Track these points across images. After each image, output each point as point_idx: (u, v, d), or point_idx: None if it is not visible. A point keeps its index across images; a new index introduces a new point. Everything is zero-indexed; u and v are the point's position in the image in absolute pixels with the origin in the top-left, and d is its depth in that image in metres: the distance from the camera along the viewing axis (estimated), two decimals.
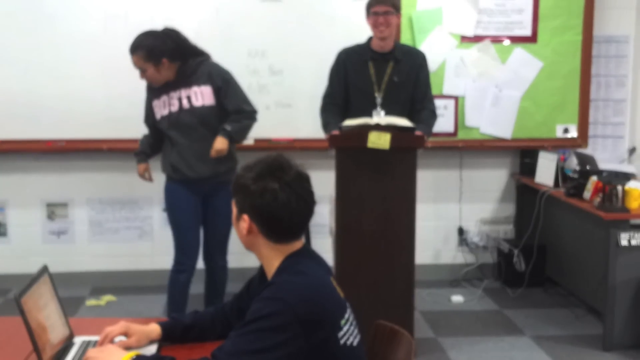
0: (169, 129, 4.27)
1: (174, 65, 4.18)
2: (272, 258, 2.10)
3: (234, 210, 2.12)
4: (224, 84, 4.21)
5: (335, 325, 1.99)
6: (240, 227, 2.10)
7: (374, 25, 4.41)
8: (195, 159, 4.19)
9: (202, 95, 4.19)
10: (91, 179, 5.54)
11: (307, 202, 2.09)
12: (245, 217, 2.07)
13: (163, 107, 4.25)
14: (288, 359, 1.91)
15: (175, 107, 4.20)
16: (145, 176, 4.50)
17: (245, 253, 2.20)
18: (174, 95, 4.21)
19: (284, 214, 2.04)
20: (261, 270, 2.23)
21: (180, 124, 4.21)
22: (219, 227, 4.38)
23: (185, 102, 4.19)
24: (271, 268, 2.09)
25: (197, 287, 4.61)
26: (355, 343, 2.06)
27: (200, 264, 4.46)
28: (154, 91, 4.29)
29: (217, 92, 4.21)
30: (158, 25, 4.31)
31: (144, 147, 4.49)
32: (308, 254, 2.14)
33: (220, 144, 4.14)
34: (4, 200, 5.54)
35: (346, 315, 2.06)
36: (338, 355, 1.99)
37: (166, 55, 4.12)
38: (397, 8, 4.41)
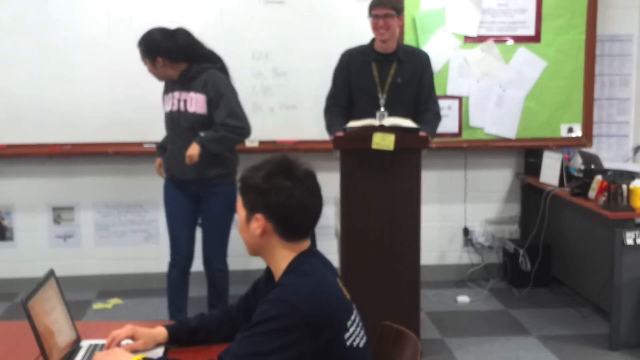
0: (167, 126, 4.38)
1: (176, 65, 4.24)
2: (282, 259, 2.10)
3: (242, 212, 2.12)
4: (216, 96, 4.20)
5: (341, 327, 2.00)
6: (251, 229, 2.10)
7: (374, 28, 4.42)
8: (183, 161, 4.20)
9: (196, 103, 4.22)
10: (97, 182, 5.55)
11: (317, 198, 2.13)
12: (259, 216, 2.07)
13: (167, 104, 4.34)
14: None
15: (175, 107, 4.28)
16: (161, 172, 4.54)
17: (247, 255, 2.18)
18: (176, 95, 4.28)
19: (298, 211, 2.07)
20: (267, 272, 2.24)
21: (175, 125, 4.30)
22: (213, 231, 4.41)
23: (181, 105, 4.25)
24: (279, 270, 2.10)
25: (201, 290, 4.63)
26: (361, 344, 2.06)
27: (201, 267, 4.51)
28: (166, 86, 4.40)
29: (210, 103, 4.23)
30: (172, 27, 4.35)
31: (163, 142, 4.56)
32: (314, 254, 2.16)
33: (191, 149, 4.14)
34: (10, 204, 5.56)
35: (352, 317, 2.06)
36: (344, 357, 2.00)
37: (162, 55, 4.19)
38: (398, 10, 4.39)
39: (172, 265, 4.47)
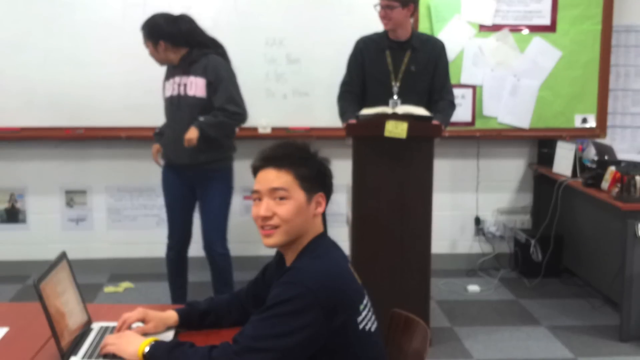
0: (166, 112, 4.43)
1: (177, 49, 4.31)
2: (307, 239, 2.11)
3: (300, 195, 2.08)
4: (216, 80, 4.25)
5: (354, 310, 2.01)
6: (311, 209, 2.11)
7: (379, 17, 4.40)
8: (180, 145, 4.24)
9: (195, 86, 4.27)
10: (109, 166, 5.58)
11: None
12: (320, 195, 2.13)
13: (167, 89, 4.40)
14: (309, 342, 1.93)
15: (175, 92, 4.33)
16: (157, 158, 4.58)
17: (260, 241, 2.16)
18: (177, 80, 4.33)
19: None
20: (277, 256, 2.25)
21: (174, 109, 4.34)
22: (210, 216, 4.45)
23: (181, 89, 4.30)
24: (297, 252, 2.12)
25: (207, 276, 4.66)
26: (373, 329, 2.08)
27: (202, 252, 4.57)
28: (167, 72, 4.45)
29: (209, 87, 4.27)
30: (176, 13, 4.37)
31: (161, 128, 4.59)
32: (327, 239, 2.18)
33: (190, 133, 4.17)
34: (23, 187, 5.59)
35: (364, 301, 2.08)
36: (357, 340, 2.01)
37: (165, 38, 4.26)
38: (403, 2, 4.30)
39: (169, 247, 4.61)
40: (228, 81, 4.28)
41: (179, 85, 4.31)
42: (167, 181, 4.53)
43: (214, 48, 4.38)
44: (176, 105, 4.32)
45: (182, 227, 4.56)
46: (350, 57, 4.63)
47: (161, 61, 4.39)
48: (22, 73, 5.29)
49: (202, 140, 4.17)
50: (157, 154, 4.58)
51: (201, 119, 4.20)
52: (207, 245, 4.50)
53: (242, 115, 4.32)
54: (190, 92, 4.27)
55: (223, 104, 4.23)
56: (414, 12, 4.45)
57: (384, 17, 4.36)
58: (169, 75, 4.42)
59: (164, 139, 4.47)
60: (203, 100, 4.27)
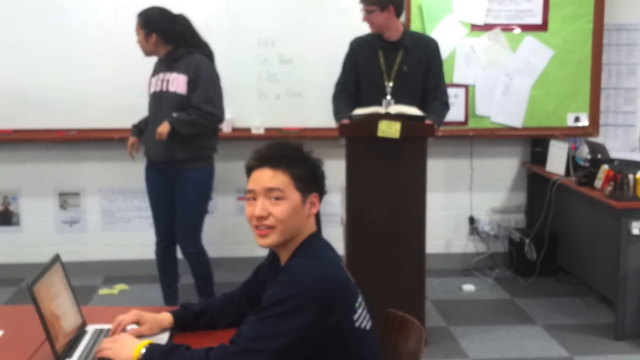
0: (149, 108, 4.47)
1: (166, 45, 4.35)
2: (300, 239, 2.12)
3: (295, 196, 2.09)
4: (196, 78, 4.28)
5: (350, 308, 2.02)
6: (305, 210, 2.12)
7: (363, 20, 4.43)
8: (156, 142, 4.28)
9: (177, 83, 4.30)
10: (103, 168, 5.56)
11: None
12: (315, 195, 2.13)
13: (152, 85, 4.44)
14: (306, 341, 1.94)
15: (158, 88, 4.37)
16: (131, 151, 4.58)
17: (254, 242, 2.16)
18: (161, 76, 4.37)
19: None
20: (270, 257, 2.26)
21: (156, 105, 4.38)
22: (183, 214, 4.47)
23: (164, 85, 4.34)
24: (291, 251, 2.12)
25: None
26: (368, 327, 2.09)
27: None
28: (154, 68, 4.49)
29: (190, 84, 4.29)
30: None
31: (140, 122, 4.63)
32: (320, 238, 2.18)
33: (161, 127, 4.21)
34: (16, 189, 5.57)
35: (359, 299, 2.09)
36: (353, 338, 2.02)
37: (157, 32, 4.31)
38: (381, 5, 4.31)
39: (157, 244, 4.66)
40: (207, 81, 4.30)
41: (162, 81, 4.34)
42: (150, 178, 4.56)
43: (202, 49, 4.39)
44: (158, 101, 4.36)
45: (166, 223, 4.56)
46: (345, 58, 4.64)
47: (148, 52, 4.42)
48: (15, 75, 5.28)
49: (175, 137, 4.21)
50: (131, 146, 4.57)
51: (174, 115, 4.23)
52: (179, 243, 4.55)
53: (217, 116, 4.33)
54: (172, 88, 4.30)
55: (199, 103, 4.25)
56: (399, 13, 4.44)
57: (366, 21, 4.38)
58: (155, 72, 4.45)
59: (145, 134, 4.50)
60: (184, 96, 4.29)
